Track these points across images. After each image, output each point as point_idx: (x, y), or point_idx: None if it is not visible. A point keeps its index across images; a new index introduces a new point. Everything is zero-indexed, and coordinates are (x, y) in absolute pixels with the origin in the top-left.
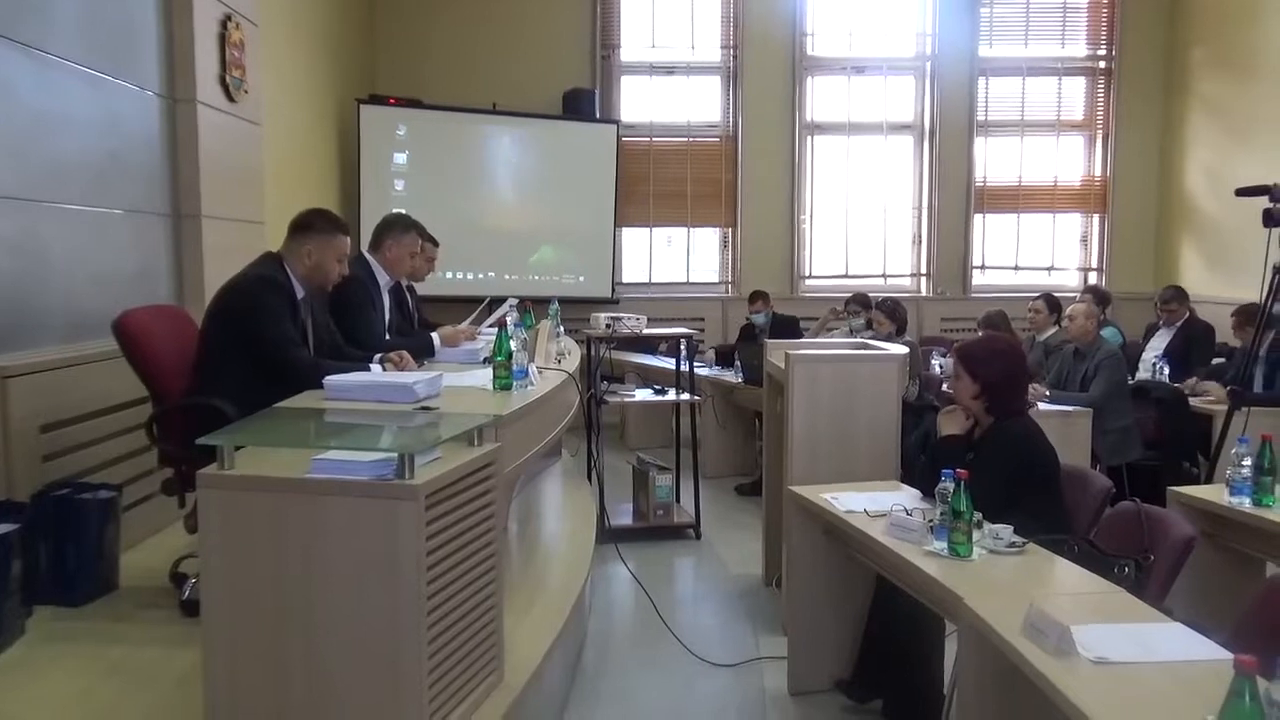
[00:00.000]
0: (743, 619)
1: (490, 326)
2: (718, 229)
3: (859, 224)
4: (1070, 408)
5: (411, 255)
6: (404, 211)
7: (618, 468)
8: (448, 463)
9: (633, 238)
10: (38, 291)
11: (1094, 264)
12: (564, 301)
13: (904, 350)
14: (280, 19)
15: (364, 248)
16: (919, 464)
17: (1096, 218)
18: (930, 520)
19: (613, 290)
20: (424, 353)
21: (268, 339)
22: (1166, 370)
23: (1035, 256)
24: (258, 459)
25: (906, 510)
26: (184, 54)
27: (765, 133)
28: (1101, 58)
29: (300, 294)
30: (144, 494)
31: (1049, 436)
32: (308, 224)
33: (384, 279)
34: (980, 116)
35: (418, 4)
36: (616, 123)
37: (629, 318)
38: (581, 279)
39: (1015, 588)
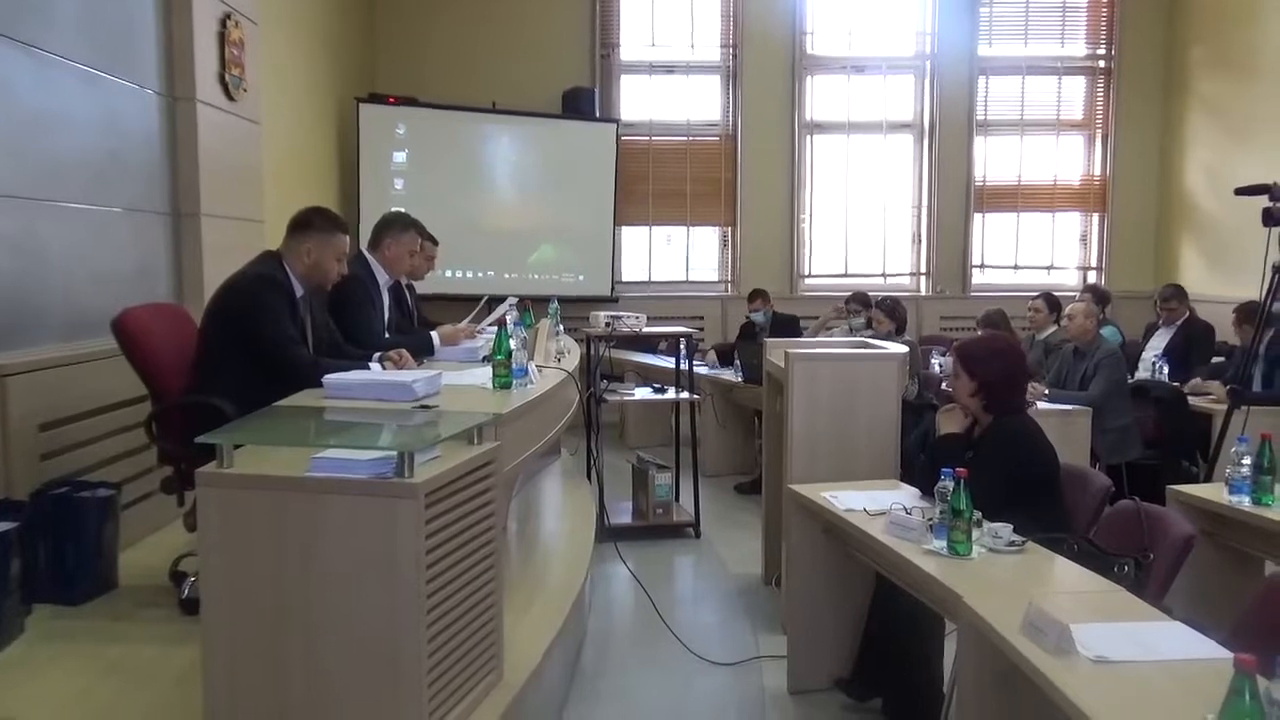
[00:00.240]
0: (742, 617)
1: (490, 325)
2: (717, 228)
3: (858, 223)
4: (1070, 407)
5: (411, 254)
6: (403, 210)
7: (617, 466)
8: (447, 461)
9: (632, 236)
10: (37, 290)
11: (1093, 263)
12: (563, 300)
13: (903, 349)
14: (280, 18)
15: (363, 246)
16: (918, 463)
17: (1096, 217)
18: (930, 519)
19: (612, 289)
20: (423, 351)
21: (267, 337)
22: (1166, 369)
23: (1035, 255)
24: (257, 457)
25: (906, 509)
26: (183, 52)
27: (765, 132)
28: (1101, 57)
29: (299, 292)
30: (143, 492)
31: (1048, 435)
32: (307, 222)
33: (383, 277)
34: (980, 116)
35: (417, 3)
36: (616, 121)
37: (628, 316)
38: (581, 278)
39: (1015, 586)
